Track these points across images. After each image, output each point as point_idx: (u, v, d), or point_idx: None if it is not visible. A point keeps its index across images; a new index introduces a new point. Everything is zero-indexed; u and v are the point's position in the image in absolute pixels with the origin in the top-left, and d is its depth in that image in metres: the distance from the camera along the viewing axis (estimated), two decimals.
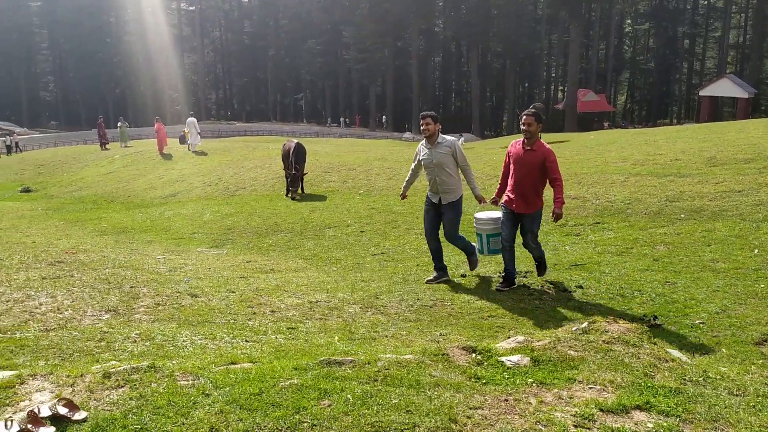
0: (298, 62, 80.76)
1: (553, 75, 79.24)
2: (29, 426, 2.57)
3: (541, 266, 7.04)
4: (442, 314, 5.93)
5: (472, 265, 7.43)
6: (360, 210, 12.50)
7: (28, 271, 6.93)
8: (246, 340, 4.64)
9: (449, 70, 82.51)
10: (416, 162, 7.29)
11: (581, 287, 6.58)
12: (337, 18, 74.19)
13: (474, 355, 3.71)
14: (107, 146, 31.14)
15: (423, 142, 7.17)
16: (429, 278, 7.19)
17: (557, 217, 6.42)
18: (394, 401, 2.93)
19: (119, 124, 32.36)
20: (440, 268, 7.26)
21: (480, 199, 7.09)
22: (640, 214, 9.88)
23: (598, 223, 9.82)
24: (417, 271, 7.74)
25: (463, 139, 37.19)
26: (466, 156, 7.16)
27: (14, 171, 28.04)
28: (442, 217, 7.16)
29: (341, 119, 73.64)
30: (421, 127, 6.98)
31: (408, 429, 2.67)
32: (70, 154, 30.46)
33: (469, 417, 2.82)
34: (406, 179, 7.71)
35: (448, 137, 7.07)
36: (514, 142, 6.73)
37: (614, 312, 5.66)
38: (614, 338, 4.00)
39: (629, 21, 75.68)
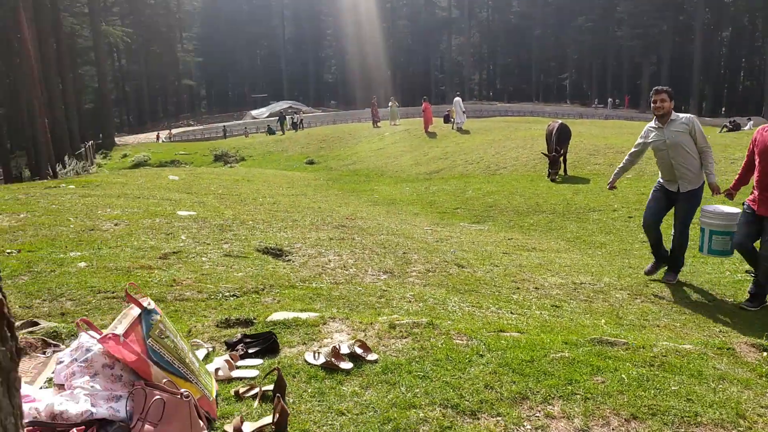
0: (565, 41, 78.44)
1: None
2: (332, 359, 2.99)
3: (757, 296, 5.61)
4: (724, 310, 5.45)
5: (668, 276, 6.39)
6: (628, 194, 11.85)
7: (318, 231, 7.87)
8: (511, 312, 4.78)
9: (739, 47, 73.25)
10: (639, 147, 6.41)
11: None
12: None
13: (765, 354, 3.38)
14: (378, 124, 33.56)
15: (651, 123, 6.28)
16: (646, 268, 6.55)
17: None
18: (672, 388, 2.82)
19: (390, 103, 34.39)
20: (660, 256, 6.48)
21: (714, 189, 6.03)
22: None
23: None
24: (693, 262, 7.16)
25: (751, 123, 32.93)
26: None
27: (300, 145, 31.64)
28: (675, 207, 6.27)
29: (609, 100, 69.69)
30: (655, 104, 6.02)
31: (689, 417, 2.56)
32: (346, 131, 33.50)
33: (760, 415, 2.60)
34: (620, 166, 6.72)
35: (683, 114, 6.14)
36: (761, 129, 5.58)
37: None
38: None
39: None
